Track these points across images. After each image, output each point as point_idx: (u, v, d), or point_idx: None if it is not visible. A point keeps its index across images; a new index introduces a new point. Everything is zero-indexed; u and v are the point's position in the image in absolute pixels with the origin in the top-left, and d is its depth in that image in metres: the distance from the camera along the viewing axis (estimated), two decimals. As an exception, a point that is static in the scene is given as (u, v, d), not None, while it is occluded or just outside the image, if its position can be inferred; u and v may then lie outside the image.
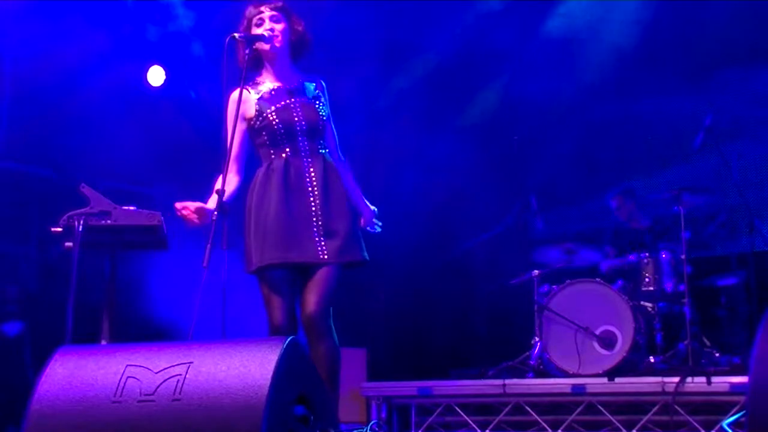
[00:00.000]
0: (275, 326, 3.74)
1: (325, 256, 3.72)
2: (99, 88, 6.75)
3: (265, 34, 3.84)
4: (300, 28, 3.94)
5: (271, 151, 3.83)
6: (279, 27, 3.87)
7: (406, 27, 7.99)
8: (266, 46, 3.85)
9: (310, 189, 3.77)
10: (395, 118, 7.88)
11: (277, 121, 3.82)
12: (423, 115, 8.07)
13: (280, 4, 3.91)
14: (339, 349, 3.73)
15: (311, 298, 3.68)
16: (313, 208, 3.76)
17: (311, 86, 3.93)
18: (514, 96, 8.34)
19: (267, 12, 3.88)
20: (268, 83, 3.91)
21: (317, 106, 3.87)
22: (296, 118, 3.82)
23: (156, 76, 7.17)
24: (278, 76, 3.92)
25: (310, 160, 3.81)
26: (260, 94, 3.87)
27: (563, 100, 8.32)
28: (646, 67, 7.92)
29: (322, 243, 3.74)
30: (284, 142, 3.82)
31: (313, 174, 3.79)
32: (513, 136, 7.97)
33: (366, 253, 3.86)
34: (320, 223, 3.75)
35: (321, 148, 3.85)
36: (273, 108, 3.83)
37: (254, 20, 3.89)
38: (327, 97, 3.96)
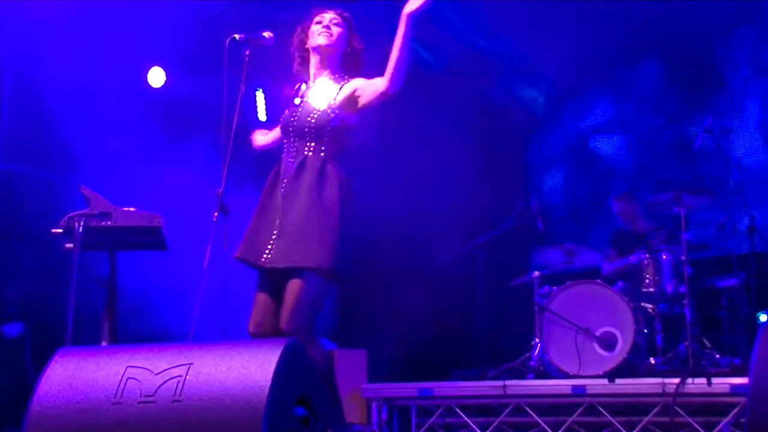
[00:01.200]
0: (249, 333, 3.70)
1: (266, 260, 3.63)
2: (100, 88, 6.76)
3: (265, 35, 3.85)
4: (358, 45, 3.91)
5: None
6: (336, 30, 3.86)
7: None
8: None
9: (282, 189, 3.72)
10: (395, 118, 7.88)
11: (281, 121, 3.88)
12: (423, 115, 8.07)
13: (347, 15, 3.91)
14: (320, 356, 3.57)
15: (282, 314, 3.58)
16: (279, 211, 3.69)
17: (333, 87, 3.82)
18: (515, 97, 8.35)
19: (330, 14, 3.89)
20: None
21: (318, 108, 3.77)
22: (292, 120, 3.81)
23: (156, 77, 7.17)
24: (315, 76, 3.90)
25: (292, 160, 3.76)
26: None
27: (564, 101, 8.33)
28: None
29: (271, 245, 3.65)
30: (282, 144, 3.86)
31: (287, 175, 3.73)
32: (514, 137, 7.99)
33: (319, 261, 3.53)
34: (277, 223, 3.67)
35: (308, 150, 3.74)
36: (287, 109, 3.87)
37: (315, 18, 3.90)
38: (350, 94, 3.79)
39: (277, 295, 3.66)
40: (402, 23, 3.61)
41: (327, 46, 3.84)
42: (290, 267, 3.57)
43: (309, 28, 3.90)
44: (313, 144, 3.75)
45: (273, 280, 3.68)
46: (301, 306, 3.55)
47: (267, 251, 3.65)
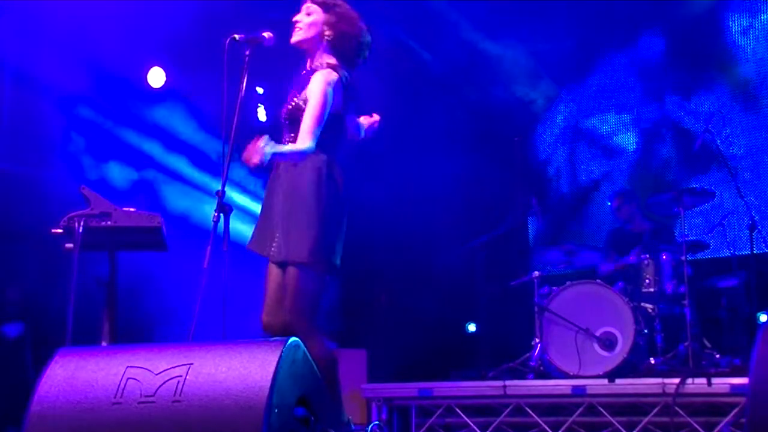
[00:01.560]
0: (261, 323, 3.76)
1: (272, 253, 3.68)
2: (100, 88, 6.76)
3: (265, 35, 3.83)
4: (339, 26, 3.78)
5: None
6: (308, 19, 3.79)
7: (408, 28, 8.00)
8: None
9: (275, 184, 3.76)
10: (395, 118, 7.88)
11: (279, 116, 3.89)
12: (423, 115, 8.07)
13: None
14: (323, 352, 3.60)
15: (285, 305, 3.63)
16: (273, 203, 3.73)
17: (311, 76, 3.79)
18: (515, 96, 8.35)
19: (306, 4, 3.83)
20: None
21: (295, 100, 3.75)
22: (280, 112, 3.82)
23: (156, 77, 7.18)
24: (306, 68, 3.87)
25: None
26: None
27: (564, 100, 8.32)
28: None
29: (276, 237, 3.67)
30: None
31: (274, 169, 3.77)
32: (514, 136, 7.98)
33: (297, 256, 3.56)
34: (269, 217, 3.71)
35: (288, 141, 3.73)
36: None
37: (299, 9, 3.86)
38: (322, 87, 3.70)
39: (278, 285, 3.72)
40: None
41: (300, 42, 3.81)
42: (278, 261, 3.63)
43: None
44: (292, 135, 3.74)
45: (281, 274, 3.71)
46: (294, 298, 3.59)
47: (273, 245, 3.68)
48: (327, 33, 3.80)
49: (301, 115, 3.69)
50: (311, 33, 3.79)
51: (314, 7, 3.81)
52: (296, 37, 3.81)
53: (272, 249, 3.68)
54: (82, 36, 6.53)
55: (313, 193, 3.63)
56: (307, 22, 3.80)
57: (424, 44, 8.21)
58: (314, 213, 3.61)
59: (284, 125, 3.78)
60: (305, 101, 3.71)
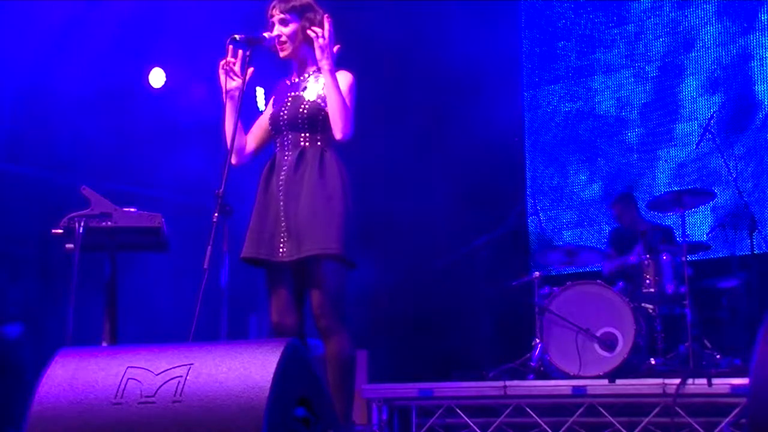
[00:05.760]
0: (272, 323, 3.76)
1: (283, 254, 3.67)
2: (100, 88, 6.76)
3: (266, 35, 3.83)
4: (314, 28, 3.81)
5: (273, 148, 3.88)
6: (287, 30, 3.82)
7: (407, 29, 8.00)
8: (275, 49, 3.84)
9: (280, 183, 3.73)
10: (395, 119, 7.89)
11: (270, 117, 3.87)
12: (423, 116, 8.07)
13: (290, 5, 3.82)
14: (349, 349, 3.65)
15: (312, 301, 3.66)
16: (281, 204, 3.70)
17: (316, 77, 3.83)
18: (515, 98, 8.35)
19: (277, 15, 3.84)
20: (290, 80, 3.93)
21: (308, 99, 3.77)
22: (281, 113, 3.81)
23: (156, 77, 7.19)
24: (297, 73, 3.91)
25: (288, 153, 3.76)
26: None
27: (564, 100, 8.32)
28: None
29: (284, 239, 3.67)
30: (275, 138, 3.85)
31: (285, 168, 3.74)
32: (514, 136, 7.99)
33: (330, 248, 3.58)
34: (283, 217, 3.69)
35: (305, 141, 3.75)
36: (274, 105, 3.87)
37: (269, 21, 3.88)
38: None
39: (295, 290, 3.72)
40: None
41: (289, 56, 3.85)
42: (307, 257, 3.60)
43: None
44: (307, 134, 3.76)
45: (290, 275, 3.71)
46: (328, 293, 3.61)
47: (281, 246, 3.67)
48: (309, 38, 3.81)
49: (321, 114, 3.74)
50: (297, 43, 3.84)
51: (288, 16, 3.83)
52: (286, 51, 3.83)
53: (282, 250, 3.67)
54: (83, 34, 6.53)
55: (339, 188, 3.69)
56: (288, 33, 3.82)
57: (424, 42, 8.20)
58: (344, 208, 3.67)
59: (297, 125, 3.76)
60: (324, 99, 3.75)
